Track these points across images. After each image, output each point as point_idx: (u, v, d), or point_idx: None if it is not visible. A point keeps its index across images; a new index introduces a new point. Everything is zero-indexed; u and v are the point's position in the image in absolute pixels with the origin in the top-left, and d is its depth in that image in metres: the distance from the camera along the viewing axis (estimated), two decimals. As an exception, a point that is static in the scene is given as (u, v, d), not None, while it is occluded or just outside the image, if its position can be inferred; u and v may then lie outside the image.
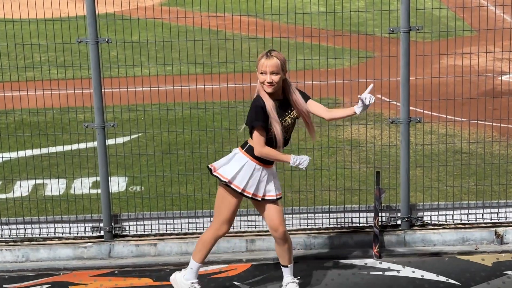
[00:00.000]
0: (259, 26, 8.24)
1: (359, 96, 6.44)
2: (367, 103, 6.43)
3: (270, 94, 6.42)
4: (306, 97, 6.61)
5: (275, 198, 6.62)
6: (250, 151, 6.53)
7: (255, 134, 6.43)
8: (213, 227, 6.71)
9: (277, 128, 6.41)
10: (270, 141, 6.46)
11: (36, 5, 7.75)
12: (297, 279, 6.90)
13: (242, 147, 6.56)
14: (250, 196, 6.55)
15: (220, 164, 6.61)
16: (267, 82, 6.36)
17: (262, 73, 6.38)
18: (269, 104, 6.40)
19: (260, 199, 6.59)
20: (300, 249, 7.68)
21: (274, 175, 6.67)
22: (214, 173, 6.57)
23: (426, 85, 8.78)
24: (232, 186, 6.53)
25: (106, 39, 7.48)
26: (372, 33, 9.14)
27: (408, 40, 7.53)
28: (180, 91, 8.62)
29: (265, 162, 6.53)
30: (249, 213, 7.85)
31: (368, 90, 6.43)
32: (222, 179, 6.54)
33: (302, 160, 6.45)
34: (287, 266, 6.83)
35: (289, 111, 6.53)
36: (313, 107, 6.60)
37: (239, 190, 6.53)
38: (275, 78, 6.36)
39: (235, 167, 6.54)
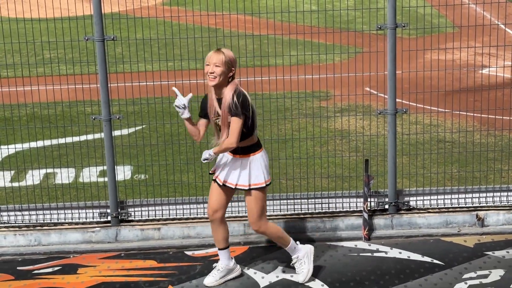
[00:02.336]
0: (255, 24, 8.21)
1: None
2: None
3: (214, 90, 6.35)
4: (236, 112, 6.33)
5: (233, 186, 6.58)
6: (258, 146, 6.59)
7: (239, 125, 6.37)
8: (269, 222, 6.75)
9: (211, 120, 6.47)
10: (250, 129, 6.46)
11: (46, 5, 7.73)
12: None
13: (250, 151, 6.57)
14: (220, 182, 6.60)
15: (263, 175, 6.60)
16: (209, 73, 6.29)
17: (207, 64, 6.32)
18: (210, 99, 6.40)
19: (220, 183, 6.61)
20: (294, 232, 7.69)
21: (240, 165, 6.54)
22: (268, 184, 6.64)
23: (412, 79, 8.78)
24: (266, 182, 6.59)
25: (112, 37, 7.46)
26: (360, 30, 9.12)
27: (394, 37, 7.51)
28: (182, 85, 8.60)
29: (233, 151, 6.52)
30: (247, 199, 7.84)
31: None
32: (268, 183, 6.60)
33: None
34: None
35: (219, 115, 6.43)
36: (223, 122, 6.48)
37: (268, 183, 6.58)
38: (217, 70, 6.25)
39: (266, 166, 6.62)
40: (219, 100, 6.39)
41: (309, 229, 7.72)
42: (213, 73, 6.27)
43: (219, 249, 6.83)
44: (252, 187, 6.54)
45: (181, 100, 6.41)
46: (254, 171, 6.53)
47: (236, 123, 6.30)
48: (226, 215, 7.83)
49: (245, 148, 6.49)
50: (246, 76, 7.69)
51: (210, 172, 6.75)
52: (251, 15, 8.46)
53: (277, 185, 7.97)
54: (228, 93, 6.33)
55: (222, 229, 6.75)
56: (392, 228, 7.77)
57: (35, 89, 8.21)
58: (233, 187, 6.58)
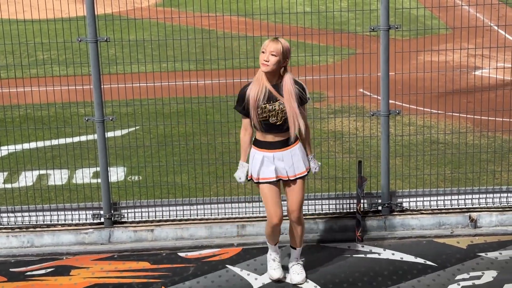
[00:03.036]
0: (249, 25, 8.20)
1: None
2: (313, 171, 6.71)
3: (266, 76, 6.38)
4: (303, 100, 6.51)
5: (294, 177, 6.58)
6: (254, 142, 6.59)
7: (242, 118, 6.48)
8: (267, 218, 6.72)
9: (251, 113, 6.40)
10: (268, 126, 6.45)
11: (38, 6, 7.71)
12: (302, 260, 6.93)
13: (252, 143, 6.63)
14: (266, 181, 6.56)
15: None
16: (264, 60, 6.33)
17: (263, 52, 6.36)
18: (254, 89, 6.38)
19: (286, 178, 6.58)
20: (287, 234, 7.67)
21: (294, 156, 6.57)
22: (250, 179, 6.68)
23: (405, 80, 8.78)
24: (253, 179, 6.60)
25: (105, 38, 7.45)
26: (354, 32, 9.12)
27: (387, 38, 7.51)
28: (175, 87, 8.59)
29: (269, 147, 6.51)
30: (240, 200, 7.84)
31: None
32: (248, 178, 6.65)
33: (237, 174, 6.63)
34: (295, 248, 6.87)
35: (279, 99, 6.42)
36: (302, 110, 6.55)
37: (256, 180, 6.57)
38: (272, 59, 6.31)
39: (251, 163, 6.62)
40: (273, 86, 6.41)
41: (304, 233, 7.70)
42: (267, 61, 6.32)
43: (295, 248, 6.88)
44: (304, 174, 6.62)
45: (242, 175, 6.61)
46: (302, 158, 6.61)
47: (306, 110, 6.61)
48: (220, 216, 7.84)
49: (293, 137, 6.55)
50: (240, 78, 7.68)
51: (249, 178, 6.66)
52: (244, 16, 8.45)
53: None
54: (289, 80, 6.41)
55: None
56: (385, 229, 7.77)
57: (28, 91, 8.17)
58: (294, 178, 6.59)
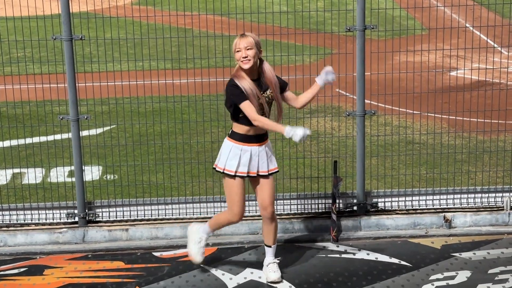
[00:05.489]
0: (226, 24, 8.17)
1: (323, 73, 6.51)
2: (330, 79, 6.51)
3: (246, 73, 6.37)
4: (284, 85, 6.60)
5: (267, 173, 6.57)
6: (233, 135, 6.53)
7: (245, 107, 6.34)
8: (228, 212, 6.71)
9: (254, 102, 6.36)
10: (245, 119, 6.41)
11: (13, 3, 7.63)
12: (278, 259, 6.89)
13: (228, 135, 6.57)
14: (244, 175, 6.53)
15: (217, 159, 6.63)
16: (243, 57, 6.32)
17: (237, 51, 6.34)
18: (245, 82, 6.36)
19: (255, 175, 6.56)
20: (262, 233, 7.65)
21: (267, 151, 6.60)
22: (215, 168, 6.61)
23: (381, 80, 8.78)
24: (226, 172, 6.53)
25: (80, 36, 7.39)
26: (330, 31, 9.11)
27: (363, 38, 7.51)
28: (151, 86, 8.54)
29: (251, 141, 6.49)
30: (215, 199, 7.80)
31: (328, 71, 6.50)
32: (217, 169, 6.58)
33: (296, 132, 6.24)
34: (270, 246, 6.82)
35: (264, 91, 6.46)
36: (287, 95, 6.61)
37: (233, 173, 6.51)
38: (250, 52, 6.32)
39: (224, 155, 6.55)
40: (254, 81, 6.40)
41: (277, 230, 7.68)
42: (246, 57, 6.32)
43: (270, 246, 6.83)
44: (276, 170, 6.63)
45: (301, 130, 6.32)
46: (272, 154, 6.66)
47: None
48: (195, 216, 7.79)
49: (266, 132, 6.57)
50: (215, 77, 7.64)
51: (221, 170, 6.58)
52: (220, 15, 8.41)
53: (246, 185, 7.93)
54: (270, 69, 6.45)
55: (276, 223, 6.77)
56: (360, 229, 7.76)
57: (2, 88, 8.09)
58: (267, 173, 6.58)
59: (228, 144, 6.56)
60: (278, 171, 6.69)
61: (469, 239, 7.60)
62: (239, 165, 6.52)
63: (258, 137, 6.54)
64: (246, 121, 6.42)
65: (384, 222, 7.79)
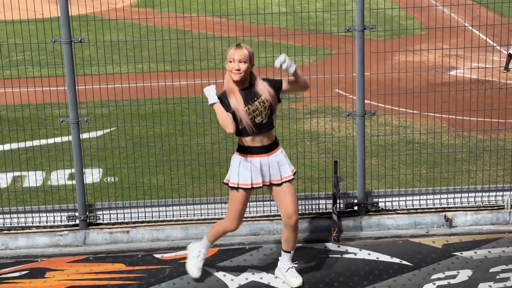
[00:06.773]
0: (225, 26, 8.18)
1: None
2: (284, 67, 6.35)
3: (236, 84, 6.37)
4: (277, 82, 6.53)
5: (280, 181, 6.54)
6: (240, 149, 6.52)
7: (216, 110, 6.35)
8: (225, 220, 6.70)
9: (240, 111, 6.35)
10: (246, 130, 6.40)
11: (12, 6, 7.64)
12: (295, 263, 6.89)
13: (236, 150, 6.55)
14: (260, 186, 6.53)
15: (227, 174, 6.61)
16: (235, 70, 6.31)
17: (230, 61, 6.34)
18: (232, 99, 6.35)
19: (268, 183, 6.55)
20: (264, 234, 7.66)
21: (278, 160, 6.55)
22: (227, 183, 6.59)
23: (380, 80, 8.78)
24: (242, 187, 6.50)
25: (79, 39, 7.39)
26: (329, 32, 9.11)
27: (362, 38, 7.51)
28: (151, 88, 8.55)
29: (258, 152, 6.48)
30: (216, 201, 7.81)
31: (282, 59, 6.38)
32: (231, 185, 6.54)
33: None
34: (289, 252, 6.81)
35: (257, 97, 6.43)
36: (287, 87, 6.56)
37: (249, 187, 6.50)
38: (243, 66, 6.31)
39: (235, 169, 6.53)
40: (245, 90, 6.39)
41: (278, 231, 7.68)
42: (239, 70, 6.31)
43: (290, 252, 6.81)
44: (290, 177, 6.59)
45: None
46: (286, 161, 6.61)
47: (286, 81, 6.54)
48: (196, 217, 7.79)
49: (275, 140, 6.57)
50: (215, 79, 7.65)
51: (230, 184, 6.58)
52: (219, 17, 8.41)
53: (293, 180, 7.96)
54: (260, 83, 6.43)
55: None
56: (361, 229, 7.76)
57: (2, 92, 8.10)
58: (280, 182, 6.56)
59: (237, 158, 6.55)
60: (293, 178, 6.63)
61: (470, 238, 7.60)
62: (253, 177, 6.51)
63: (265, 147, 6.51)
64: (246, 132, 6.43)
65: (385, 222, 7.79)
